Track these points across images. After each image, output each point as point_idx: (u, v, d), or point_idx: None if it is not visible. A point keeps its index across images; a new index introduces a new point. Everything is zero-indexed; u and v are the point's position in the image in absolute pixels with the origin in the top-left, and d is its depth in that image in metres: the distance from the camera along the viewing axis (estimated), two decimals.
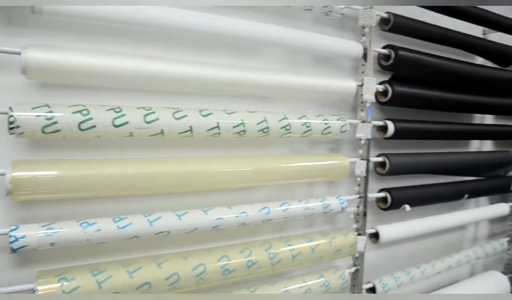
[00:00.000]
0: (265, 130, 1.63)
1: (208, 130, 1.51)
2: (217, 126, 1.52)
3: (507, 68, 2.86)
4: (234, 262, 1.59)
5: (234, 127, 1.56)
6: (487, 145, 3.06)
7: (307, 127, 1.75)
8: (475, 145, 2.97)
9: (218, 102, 1.68)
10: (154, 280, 1.41)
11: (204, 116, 1.50)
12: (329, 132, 1.83)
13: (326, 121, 1.82)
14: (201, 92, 1.60)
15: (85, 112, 1.28)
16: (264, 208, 1.65)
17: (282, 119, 1.68)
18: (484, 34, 2.92)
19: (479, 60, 2.85)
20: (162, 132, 1.41)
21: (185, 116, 1.45)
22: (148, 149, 1.56)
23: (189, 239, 1.65)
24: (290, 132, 1.71)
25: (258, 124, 1.61)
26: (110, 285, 1.33)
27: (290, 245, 1.76)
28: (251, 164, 1.64)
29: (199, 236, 1.67)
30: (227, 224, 1.56)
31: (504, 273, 3.00)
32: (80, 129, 1.28)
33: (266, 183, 1.71)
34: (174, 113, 1.44)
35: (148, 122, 1.38)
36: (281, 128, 1.68)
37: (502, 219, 3.16)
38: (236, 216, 1.58)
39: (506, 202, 2.98)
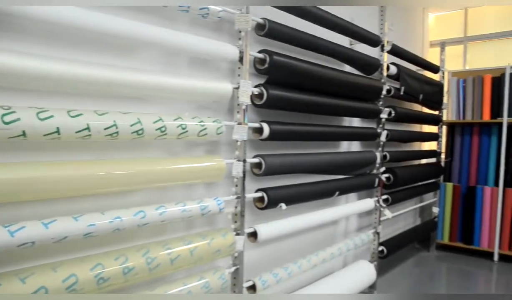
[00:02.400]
0: (140, 132, 1.59)
1: (77, 131, 1.42)
2: (87, 128, 1.44)
3: (370, 76, 3.15)
4: (109, 270, 1.52)
5: (106, 129, 1.49)
6: (355, 146, 3.33)
7: (183, 128, 1.75)
8: (344, 146, 3.21)
9: (89, 102, 1.60)
10: (19, 297, 1.29)
11: (73, 117, 1.41)
12: (206, 134, 1.85)
13: (202, 123, 1.83)
14: (69, 91, 1.51)
15: None
16: (139, 212, 1.60)
17: (157, 121, 1.65)
18: (351, 45, 3.18)
19: (347, 68, 3.10)
20: (24, 134, 1.30)
21: (51, 116, 1.35)
22: (8, 153, 1.42)
23: (58, 249, 1.55)
24: (165, 134, 1.69)
25: (132, 125, 1.57)
26: None
27: (168, 248, 1.74)
28: (125, 167, 1.58)
29: (70, 245, 1.57)
30: (100, 231, 1.49)
31: (371, 261, 3.29)
32: None
33: (141, 187, 1.66)
34: (38, 113, 1.33)
35: (6, 123, 1.26)
36: (156, 129, 1.65)
37: (368, 213, 3.47)
38: (110, 222, 1.51)
39: (371, 197, 3.27)
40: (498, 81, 4.32)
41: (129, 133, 1.57)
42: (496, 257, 4.29)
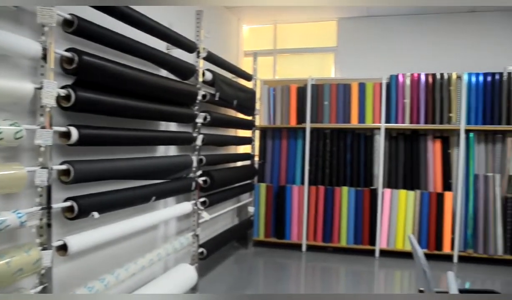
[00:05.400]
0: None
1: None
2: None
3: (186, 81, 3.21)
4: None
5: None
6: (171, 150, 3.35)
7: None
8: (161, 150, 3.20)
9: None
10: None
11: None
12: (1, 139, 1.63)
13: None
14: None
15: None
16: None
17: None
18: (168, 50, 3.19)
19: (164, 73, 3.10)
20: None
21: None
22: None
23: None
24: None
25: None
26: None
27: None
28: None
29: None
30: None
31: (192, 263, 3.34)
32: None
33: None
34: None
35: None
36: None
37: (187, 216, 3.52)
38: None
39: (189, 200, 3.32)
40: (302, 91, 4.84)
41: None
42: (304, 248, 4.79)
